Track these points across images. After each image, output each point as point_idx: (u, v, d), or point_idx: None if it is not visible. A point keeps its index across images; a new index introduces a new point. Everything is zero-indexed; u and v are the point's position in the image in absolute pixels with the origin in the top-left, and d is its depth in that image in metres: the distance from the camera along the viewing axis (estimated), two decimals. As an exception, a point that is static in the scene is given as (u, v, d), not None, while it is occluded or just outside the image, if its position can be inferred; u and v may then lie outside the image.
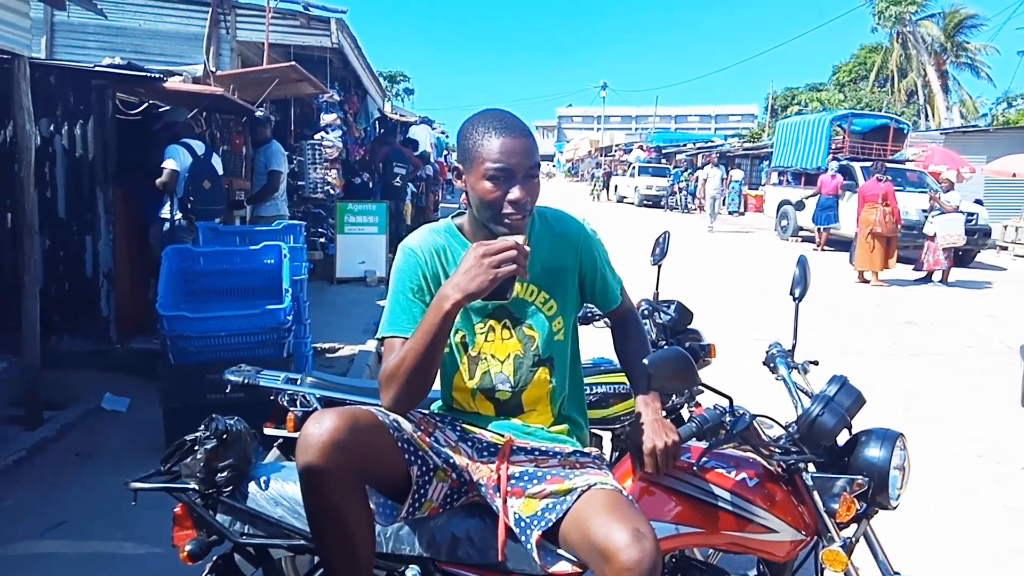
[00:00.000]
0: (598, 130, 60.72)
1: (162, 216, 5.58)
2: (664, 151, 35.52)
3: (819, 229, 15.25)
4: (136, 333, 5.66)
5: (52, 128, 5.30)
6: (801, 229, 16.99)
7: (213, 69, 7.19)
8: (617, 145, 45.59)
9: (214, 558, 1.82)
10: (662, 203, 27.14)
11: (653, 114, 67.58)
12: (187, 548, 1.73)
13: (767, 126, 37.29)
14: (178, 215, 5.50)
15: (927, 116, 34.87)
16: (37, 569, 3.04)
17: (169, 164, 5.38)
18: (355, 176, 11.57)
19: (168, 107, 6.04)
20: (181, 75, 6.08)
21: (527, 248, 1.52)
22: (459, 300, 1.51)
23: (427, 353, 1.57)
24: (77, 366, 5.21)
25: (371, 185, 11.73)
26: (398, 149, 11.63)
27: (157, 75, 5.30)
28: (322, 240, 9.56)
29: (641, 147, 37.70)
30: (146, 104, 6.00)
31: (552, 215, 1.85)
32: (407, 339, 1.65)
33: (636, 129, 66.90)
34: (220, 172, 5.95)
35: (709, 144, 33.59)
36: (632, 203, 28.91)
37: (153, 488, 1.76)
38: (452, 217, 1.85)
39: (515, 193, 1.62)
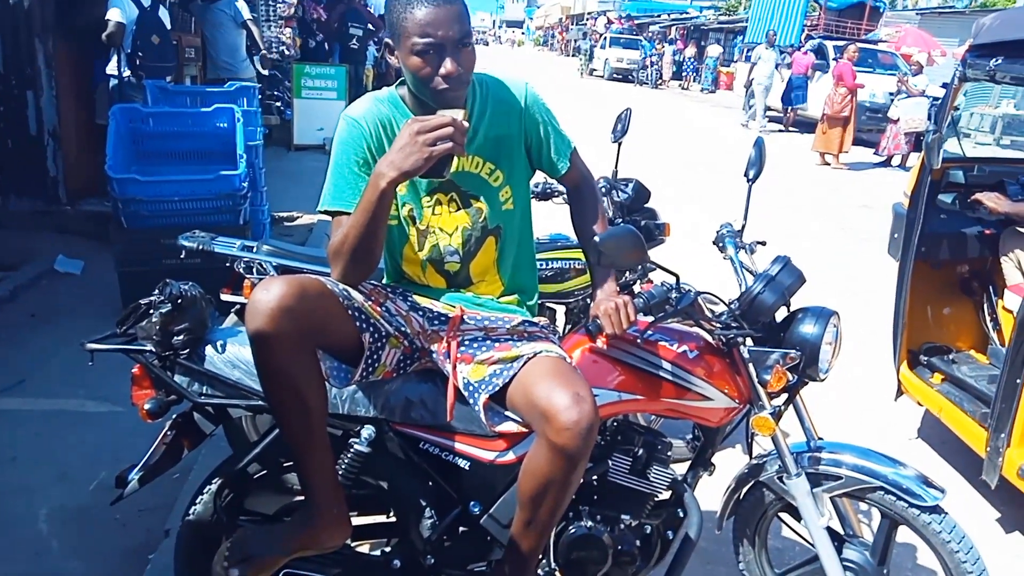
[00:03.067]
0: (570, -5, 58.03)
1: (108, 73, 5.31)
2: (637, 21, 34.30)
3: (787, 109, 15.12)
4: (87, 195, 5.52)
5: (-19, -27, 4.92)
6: (769, 109, 16.83)
7: (156, -90, 6.62)
8: (589, 13, 43.87)
9: (174, 416, 1.88)
10: (632, 76, 26.46)
11: (628, -20, 64.71)
12: (146, 407, 1.77)
13: (744, -1, 36.07)
14: (126, 72, 5.24)
15: (905, -6, 34.03)
16: (1, 425, 3.09)
17: (113, 15, 5.05)
18: (312, 37, 10.99)
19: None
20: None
21: (465, 124, 1.48)
22: (394, 178, 1.49)
23: (368, 230, 1.57)
24: (27, 227, 5.11)
25: (327, 47, 11.17)
26: (355, 8, 10.96)
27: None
28: (278, 104, 9.22)
29: (607, 16, 36.25)
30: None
31: (492, 81, 1.79)
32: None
33: (610, -4, 64.17)
34: (168, 26, 5.62)
35: (684, 16, 32.52)
36: (602, 76, 28.07)
37: (110, 349, 1.77)
38: (396, 86, 1.78)
39: (447, 67, 1.56)
